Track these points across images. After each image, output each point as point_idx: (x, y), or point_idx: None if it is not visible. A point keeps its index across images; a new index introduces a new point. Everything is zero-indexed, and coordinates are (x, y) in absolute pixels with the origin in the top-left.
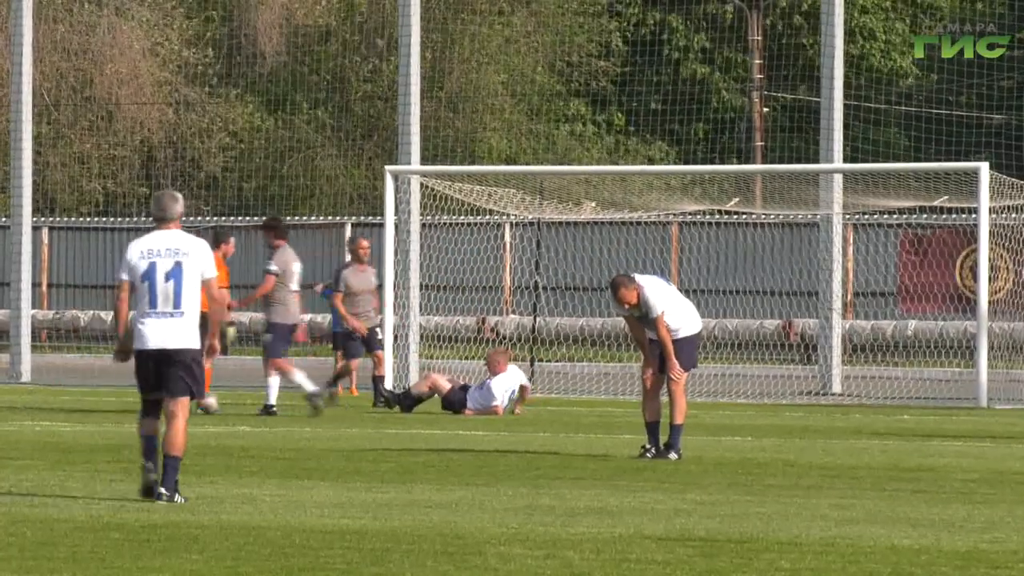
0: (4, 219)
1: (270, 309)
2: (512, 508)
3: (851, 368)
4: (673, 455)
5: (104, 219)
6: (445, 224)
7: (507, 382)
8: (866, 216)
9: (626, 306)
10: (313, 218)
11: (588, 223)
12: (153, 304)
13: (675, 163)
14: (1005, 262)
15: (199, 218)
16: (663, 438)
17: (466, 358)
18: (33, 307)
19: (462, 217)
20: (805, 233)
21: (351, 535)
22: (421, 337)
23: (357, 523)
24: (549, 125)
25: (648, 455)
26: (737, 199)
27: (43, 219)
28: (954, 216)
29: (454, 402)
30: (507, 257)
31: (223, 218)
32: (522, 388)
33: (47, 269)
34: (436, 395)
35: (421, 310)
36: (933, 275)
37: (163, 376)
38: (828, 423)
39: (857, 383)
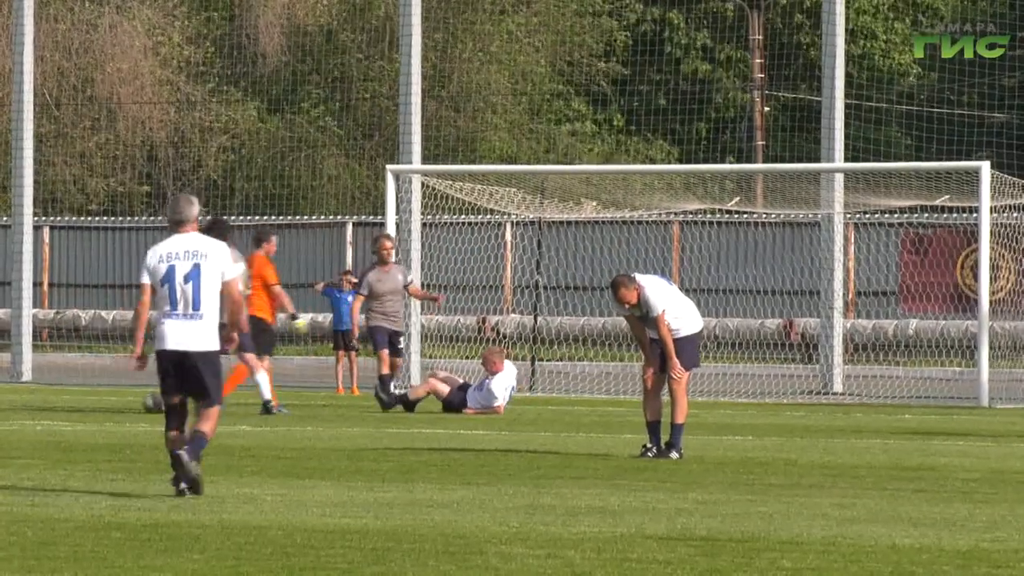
0: (5, 218)
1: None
2: (513, 507)
3: (852, 367)
4: (674, 454)
5: (105, 218)
6: (446, 223)
7: (506, 380)
8: (867, 215)
9: (626, 306)
10: (314, 217)
11: (589, 222)
12: (173, 306)
13: (676, 162)
14: (1006, 261)
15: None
16: (664, 437)
17: (467, 357)
18: (34, 306)
19: (463, 216)
20: (806, 232)
21: (352, 534)
22: (422, 337)
23: (358, 522)
24: (550, 125)
25: (649, 454)
26: (738, 198)
27: (44, 218)
28: (955, 215)
29: (454, 403)
30: (508, 256)
31: (225, 218)
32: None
33: (48, 268)
34: (435, 397)
35: (422, 309)
36: (934, 274)
37: (187, 380)
38: (829, 422)
39: (858, 382)
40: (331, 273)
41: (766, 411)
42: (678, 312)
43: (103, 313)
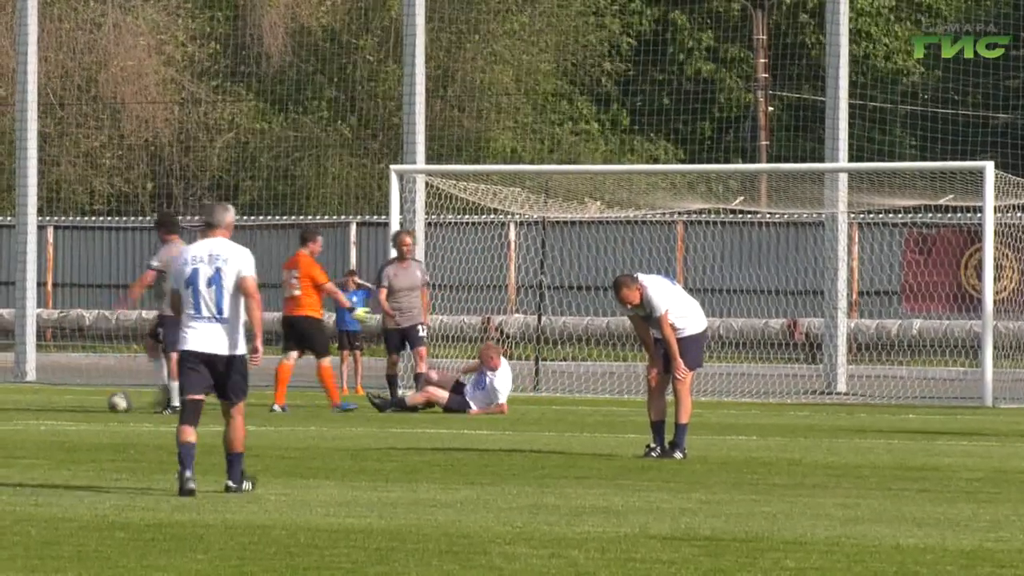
0: (9, 218)
1: (161, 303)
2: (517, 507)
3: (856, 367)
4: (678, 454)
5: (109, 218)
6: (450, 223)
7: (506, 377)
8: (871, 215)
9: (629, 306)
10: (318, 217)
11: (593, 222)
12: (197, 309)
13: (680, 162)
14: (1010, 261)
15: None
16: (668, 437)
17: (471, 357)
18: (38, 306)
19: (467, 216)
20: (810, 232)
21: (356, 534)
22: (426, 337)
23: (362, 522)
24: (554, 124)
25: (653, 454)
26: (742, 198)
27: (48, 218)
28: (959, 215)
29: (455, 408)
30: (512, 256)
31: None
32: None
33: (52, 268)
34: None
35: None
36: (938, 274)
37: (213, 379)
38: (833, 422)
39: (862, 382)
40: (335, 273)
41: (770, 411)
42: (682, 312)
43: (107, 313)
